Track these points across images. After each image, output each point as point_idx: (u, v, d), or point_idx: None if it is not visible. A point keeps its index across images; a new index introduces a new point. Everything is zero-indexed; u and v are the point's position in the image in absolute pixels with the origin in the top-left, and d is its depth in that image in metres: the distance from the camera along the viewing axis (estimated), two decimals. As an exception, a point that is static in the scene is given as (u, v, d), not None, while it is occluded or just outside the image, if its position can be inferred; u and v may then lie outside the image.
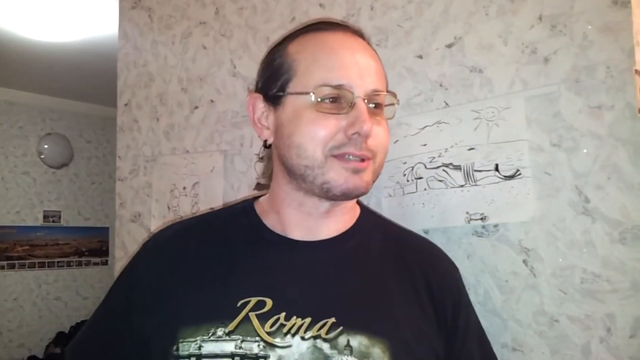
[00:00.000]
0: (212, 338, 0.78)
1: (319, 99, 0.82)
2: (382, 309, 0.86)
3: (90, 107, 5.56)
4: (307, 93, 0.83)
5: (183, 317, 0.82)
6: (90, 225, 5.55)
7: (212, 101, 1.76)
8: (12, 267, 5.04)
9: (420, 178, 1.28)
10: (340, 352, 0.78)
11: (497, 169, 1.16)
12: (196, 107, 1.80)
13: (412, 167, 1.30)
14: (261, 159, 1.61)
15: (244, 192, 1.68)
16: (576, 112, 1.08)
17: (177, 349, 0.79)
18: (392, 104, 0.92)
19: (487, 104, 1.19)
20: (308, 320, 0.80)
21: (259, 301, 0.81)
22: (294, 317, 0.80)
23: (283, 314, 0.80)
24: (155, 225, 1.81)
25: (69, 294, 5.42)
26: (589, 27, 1.08)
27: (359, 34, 0.94)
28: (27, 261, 5.13)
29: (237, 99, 1.71)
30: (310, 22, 0.95)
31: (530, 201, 1.12)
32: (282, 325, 0.79)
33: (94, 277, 5.61)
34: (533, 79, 1.14)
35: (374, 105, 0.86)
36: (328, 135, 0.82)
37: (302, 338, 0.78)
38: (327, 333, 0.79)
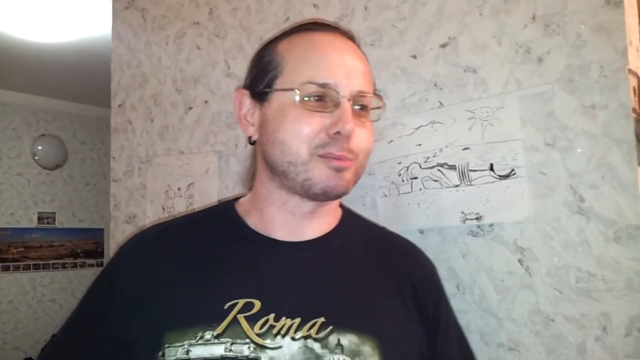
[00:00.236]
0: (200, 342, 0.77)
1: (305, 97, 0.83)
2: (370, 308, 0.87)
3: (84, 107, 5.54)
4: (293, 89, 0.83)
5: (168, 322, 0.80)
6: (85, 227, 5.53)
7: (206, 102, 1.76)
8: (6, 269, 5.01)
9: (416, 178, 1.28)
10: (332, 351, 0.78)
11: (492, 168, 1.16)
12: (190, 108, 1.80)
13: (407, 167, 1.30)
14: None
15: (239, 192, 1.67)
16: (570, 111, 1.09)
17: (163, 355, 0.78)
18: (379, 107, 0.92)
19: (481, 103, 1.19)
20: (298, 320, 0.79)
21: (247, 303, 0.80)
22: (284, 318, 0.79)
23: (272, 315, 0.79)
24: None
25: (64, 296, 5.40)
26: (582, 26, 1.08)
27: (349, 36, 0.94)
28: (21, 263, 5.11)
29: (231, 100, 1.71)
30: (301, 22, 0.95)
31: (525, 201, 1.12)
32: (272, 327, 0.79)
33: (89, 278, 5.57)
34: (527, 79, 1.14)
35: (359, 107, 0.87)
36: (312, 133, 0.82)
37: (293, 338, 0.78)
38: (317, 333, 0.79)
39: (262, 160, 0.91)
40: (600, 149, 1.05)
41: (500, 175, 1.15)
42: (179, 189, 1.78)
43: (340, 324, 0.81)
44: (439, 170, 1.24)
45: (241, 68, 1.69)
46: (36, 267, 5.20)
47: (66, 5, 3.24)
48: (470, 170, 1.19)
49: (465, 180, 1.20)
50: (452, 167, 1.22)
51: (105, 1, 2.99)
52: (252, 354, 0.76)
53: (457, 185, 1.21)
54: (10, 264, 5.04)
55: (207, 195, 1.72)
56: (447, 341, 0.96)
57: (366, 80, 0.88)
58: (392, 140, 1.33)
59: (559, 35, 1.10)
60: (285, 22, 1.59)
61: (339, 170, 0.84)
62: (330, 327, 0.80)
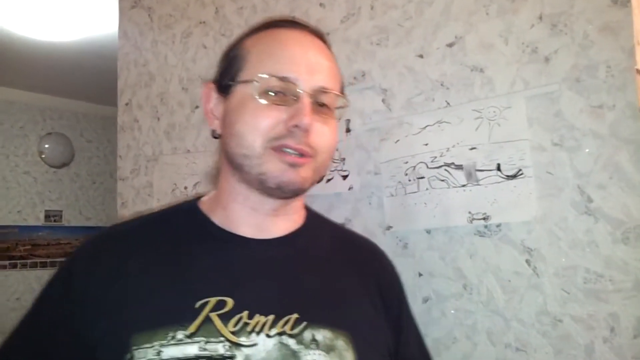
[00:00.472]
0: (172, 342, 0.75)
1: (264, 90, 0.82)
2: (341, 304, 0.88)
3: (91, 106, 5.55)
4: (252, 81, 0.83)
5: (135, 323, 0.77)
6: (92, 225, 5.54)
7: (212, 101, 1.76)
8: (14, 266, 5.04)
9: (422, 178, 1.28)
10: (307, 347, 0.78)
11: (499, 168, 1.16)
12: (197, 107, 1.80)
13: (414, 167, 1.30)
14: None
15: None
16: (577, 111, 1.08)
17: (132, 357, 0.74)
18: (343, 107, 0.91)
19: (488, 103, 1.19)
20: (271, 317, 0.79)
21: (219, 301, 0.79)
22: (257, 315, 0.78)
23: (246, 313, 0.78)
24: (157, 225, 1.81)
25: (71, 293, 5.41)
26: (590, 26, 1.07)
27: (317, 34, 0.93)
28: (29, 261, 5.13)
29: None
30: (270, 20, 0.94)
31: (532, 201, 1.12)
32: (246, 324, 0.78)
33: (96, 276, 5.60)
34: (534, 79, 1.14)
35: (322, 104, 0.85)
36: (269, 126, 0.81)
37: (268, 335, 0.77)
38: (292, 329, 0.79)
39: (224, 154, 0.90)
40: (607, 149, 1.05)
41: (507, 175, 1.15)
42: (186, 187, 1.79)
43: (314, 320, 0.81)
44: (445, 170, 1.24)
45: (247, 67, 1.69)
46: (43, 265, 5.22)
47: (73, 4, 3.24)
48: (477, 170, 1.19)
49: (472, 180, 1.19)
50: (459, 167, 1.22)
51: (112, 0, 3.00)
52: (228, 352, 0.75)
53: (464, 185, 1.21)
54: (18, 261, 5.06)
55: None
56: (409, 338, 0.98)
57: (330, 78, 0.87)
58: (398, 140, 1.33)
59: (566, 35, 1.10)
60: (292, 21, 1.59)
61: (294, 166, 0.82)
62: (305, 322, 0.80)
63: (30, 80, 4.83)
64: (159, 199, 1.85)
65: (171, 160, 1.84)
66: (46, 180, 5.32)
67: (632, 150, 1.02)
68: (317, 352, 0.78)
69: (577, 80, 1.08)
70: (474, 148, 1.19)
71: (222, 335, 0.76)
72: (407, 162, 1.31)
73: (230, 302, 0.79)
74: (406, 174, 1.31)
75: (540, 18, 1.13)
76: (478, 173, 1.19)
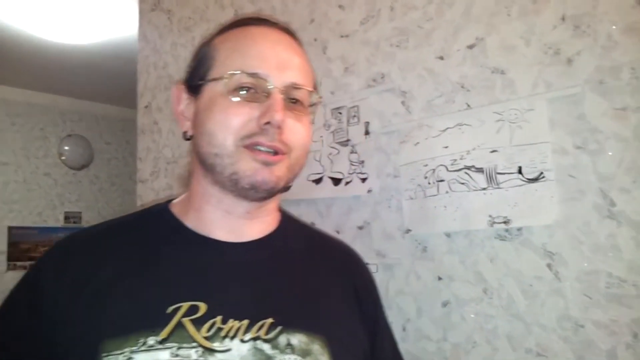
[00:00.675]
0: (142, 348, 0.73)
1: (234, 87, 0.81)
2: (316, 307, 0.87)
3: (110, 108, 5.61)
4: (222, 78, 0.81)
5: (104, 329, 0.75)
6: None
7: (231, 103, 1.77)
8: (34, 267, 5.10)
9: (442, 180, 1.27)
10: (282, 352, 0.77)
11: (520, 171, 1.14)
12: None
13: (434, 170, 1.29)
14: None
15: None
16: (600, 114, 1.07)
17: None
18: (316, 104, 0.89)
19: (509, 105, 1.17)
20: (246, 322, 0.77)
21: (191, 306, 0.77)
22: (231, 320, 0.77)
23: (219, 318, 0.77)
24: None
25: (89, 294, 5.47)
26: (613, 27, 1.06)
27: (288, 31, 0.92)
28: (48, 261, 5.19)
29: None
30: (239, 18, 0.93)
31: (554, 204, 1.10)
32: (220, 329, 0.76)
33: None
34: (556, 81, 1.12)
35: (294, 100, 0.84)
36: (240, 124, 0.80)
37: (242, 340, 0.76)
38: (266, 333, 0.78)
39: (195, 155, 0.88)
40: (631, 152, 1.03)
41: (528, 179, 1.13)
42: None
43: (289, 324, 0.80)
44: (466, 172, 1.23)
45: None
46: (63, 266, 5.27)
47: (92, 7, 3.28)
48: (498, 173, 1.18)
49: (492, 183, 1.18)
50: (480, 170, 1.21)
51: (132, 3, 3.02)
52: (201, 358, 0.73)
53: (484, 188, 1.20)
54: (38, 262, 5.12)
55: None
56: (384, 340, 0.97)
57: (301, 74, 0.85)
58: (418, 142, 1.32)
59: (589, 36, 1.09)
60: (311, 23, 1.59)
61: (267, 164, 0.80)
62: (279, 327, 0.79)
63: (51, 83, 4.89)
64: (178, 201, 1.86)
65: (190, 162, 1.84)
66: (66, 182, 5.38)
67: (657, 153, 1.00)
68: (292, 356, 0.77)
69: (600, 82, 1.07)
70: (495, 151, 1.18)
71: (195, 341, 0.74)
72: (426, 165, 1.30)
73: (203, 307, 0.77)
74: (426, 177, 1.31)
75: (563, 19, 1.12)
76: (499, 176, 1.17)
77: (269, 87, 0.80)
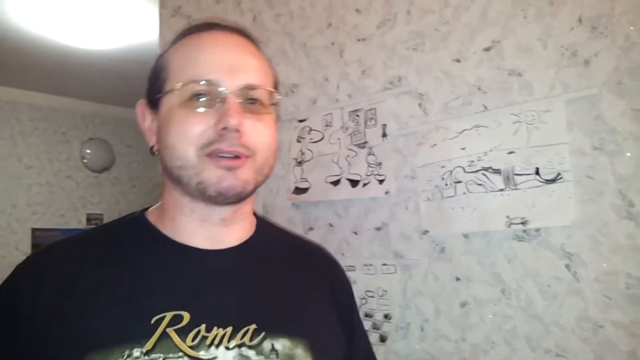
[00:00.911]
0: None
1: (188, 96, 0.80)
2: (297, 312, 0.87)
3: (131, 112, 5.57)
4: (175, 90, 0.81)
5: (88, 343, 0.73)
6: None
7: (250, 107, 1.79)
8: (57, 268, 5.18)
9: (459, 182, 1.28)
10: (267, 357, 0.78)
11: (537, 172, 1.15)
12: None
13: (451, 171, 1.30)
14: (299, 163, 1.63)
15: (283, 195, 1.70)
16: (618, 114, 1.07)
17: None
18: (276, 103, 0.88)
19: (526, 107, 1.18)
20: (230, 329, 0.78)
21: (175, 316, 0.76)
22: (215, 328, 0.77)
23: (203, 326, 0.77)
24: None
25: (111, 295, 5.54)
26: (631, 28, 1.06)
27: (241, 32, 0.90)
28: (71, 263, 5.27)
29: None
30: (189, 26, 0.91)
31: (572, 205, 1.11)
32: (204, 338, 0.76)
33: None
34: (574, 82, 1.13)
35: (251, 101, 0.82)
36: (198, 133, 0.79)
37: (227, 348, 0.76)
38: (250, 340, 0.78)
39: (163, 169, 0.87)
40: (650, 152, 1.03)
41: (546, 180, 1.14)
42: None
43: (272, 329, 0.80)
44: (483, 174, 1.24)
45: (285, 73, 1.71)
46: (85, 267, 5.35)
47: (114, 13, 3.33)
48: (516, 175, 1.18)
49: (510, 185, 1.19)
50: (497, 171, 1.21)
51: (152, 9, 3.07)
52: None
53: (502, 190, 1.20)
54: (61, 263, 5.20)
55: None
56: (360, 342, 0.99)
57: (256, 74, 0.84)
58: (435, 144, 1.33)
59: (606, 38, 1.09)
60: (328, 27, 1.60)
61: (230, 169, 0.79)
62: (263, 333, 0.79)
63: (73, 88, 4.97)
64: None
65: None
66: (88, 184, 5.46)
67: (675, 153, 1.00)
68: None
69: (618, 83, 1.07)
70: (512, 152, 1.19)
71: (181, 350, 0.74)
72: (444, 167, 1.31)
73: (186, 316, 0.77)
74: (443, 179, 1.31)
75: (580, 21, 1.12)
76: (516, 177, 1.18)
77: (222, 92, 0.79)
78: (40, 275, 0.80)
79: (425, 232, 1.35)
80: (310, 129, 1.63)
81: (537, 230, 1.16)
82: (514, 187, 1.18)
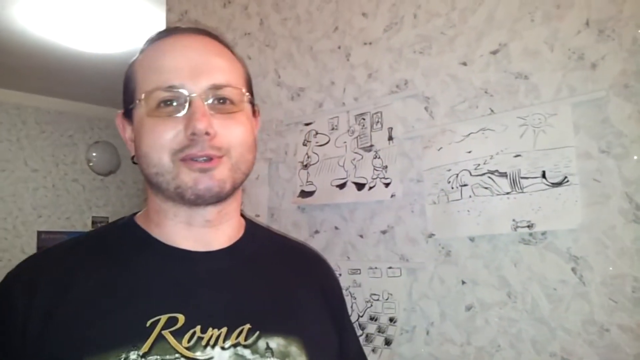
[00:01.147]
0: None
1: (154, 105, 0.80)
2: (290, 310, 0.88)
3: (136, 115, 5.69)
4: (142, 99, 0.81)
5: (83, 347, 0.73)
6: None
7: (256, 110, 1.79)
8: (62, 271, 5.19)
9: (465, 185, 1.28)
10: (262, 356, 0.78)
11: (544, 175, 1.15)
12: (241, 116, 1.84)
13: (457, 174, 1.30)
14: (305, 166, 1.64)
15: (289, 199, 1.70)
16: (625, 117, 1.07)
17: None
18: (250, 101, 0.89)
19: (533, 110, 1.18)
20: (224, 329, 0.78)
21: (170, 318, 0.77)
22: (210, 329, 0.78)
23: (198, 327, 0.77)
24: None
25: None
26: (639, 31, 1.06)
27: (204, 33, 0.89)
28: (76, 266, 5.28)
29: (281, 108, 1.74)
30: (154, 34, 0.91)
31: (578, 208, 1.10)
32: (200, 338, 0.77)
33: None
34: (580, 85, 1.13)
35: (221, 101, 0.82)
36: (168, 139, 0.79)
37: (223, 348, 0.77)
38: (245, 339, 0.79)
39: (143, 177, 0.87)
40: (657, 156, 1.03)
41: (552, 183, 1.14)
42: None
43: (266, 328, 0.81)
44: (489, 177, 1.23)
45: (291, 77, 1.72)
46: (90, 270, 5.36)
47: (120, 17, 3.35)
48: (522, 178, 1.18)
49: (516, 188, 1.19)
50: (503, 175, 1.21)
51: (159, 13, 3.08)
52: None
53: (508, 193, 1.20)
54: (66, 266, 5.21)
55: (257, 201, 1.75)
56: (349, 341, 0.99)
57: (222, 73, 0.83)
58: (441, 148, 1.33)
59: (613, 41, 1.09)
60: (335, 31, 1.61)
61: (204, 171, 0.80)
62: (257, 332, 0.80)
63: (79, 91, 4.99)
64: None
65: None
66: (93, 187, 5.48)
67: (683, 157, 1.00)
68: (272, 359, 0.79)
69: (625, 86, 1.07)
70: (519, 155, 1.19)
71: (177, 352, 0.75)
72: (450, 170, 1.31)
73: (181, 318, 0.78)
74: (449, 182, 1.31)
75: (587, 24, 1.12)
76: (522, 180, 1.18)
77: (187, 96, 0.79)
78: (34, 281, 0.80)
79: (431, 235, 1.35)
80: (317, 133, 1.64)
81: (544, 233, 1.16)
82: (520, 191, 1.18)
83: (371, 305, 1.45)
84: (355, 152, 1.53)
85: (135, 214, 0.94)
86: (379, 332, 1.42)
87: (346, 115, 1.56)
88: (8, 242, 4.89)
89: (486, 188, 1.24)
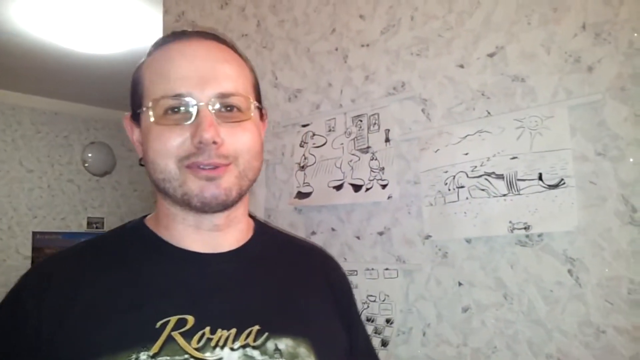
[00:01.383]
0: None
1: (161, 112, 0.80)
2: (299, 311, 0.89)
3: (132, 116, 5.68)
4: (149, 107, 0.81)
5: (95, 348, 0.74)
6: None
7: (253, 111, 1.79)
8: (57, 272, 5.17)
9: (462, 187, 1.28)
10: (271, 357, 0.79)
11: (540, 178, 1.15)
12: (238, 117, 1.84)
13: (454, 176, 1.30)
14: (302, 168, 1.64)
15: (285, 200, 1.70)
16: (621, 120, 1.08)
17: None
18: (258, 107, 0.89)
19: (530, 113, 1.19)
20: (233, 331, 0.79)
21: (179, 319, 0.78)
22: (219, 330, 0.78)
23: (207, 329, 0.78)
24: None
25: (111, 299, 5.53)
26: (635, 34, 1.07)
27: (212, 37, 0.89)
28: (71, 266, 5.26)
29: (278, 110, 1.74)
30: (162, 37, 0.91)
31: (574, 211, 1.11)
32: (209, 340, 0.77)
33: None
34: (577, 88, 1.13)
35: (228, 108, 0.82)
36: (174, 147, 0.79)
37: (232, 349, 0.77)
38: (254, 340, 0.79)
39: (150, 181, 0.88)
40: (653, 158, 1.04)
41: (549, 185, 1.14)
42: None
43: (275, 330, 0.81)
44: (486, 179, 1.24)
45: (288, 79, 1.72)
46: (85, 271, 5.34)
47: (117, 17, 3.34)
48: (519, 180, 1.18)
49: (513, 190, 1.19)
50: (500, 177, 1.22)
51: (156, 14, 3.08)
52: None
53: (504, 195, 1.21)
54: (61, 267, 5.20)
55: (254, 203, 1.75)
56: (359, 338, 1.00)
57: (229, 81, 0.83)
58: (438, 149, 1.34)
59: (610, 44, 1.09)
60: (332, 33, 1.61)
61: (211, 179, 0.80)
62: (266, 333, 0.80)
63: (75, 92, 4.98)
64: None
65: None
66: (89, 188, 5.47)
67: (678, 160, 1.01)
68: None
69: (621, 89, 1.07)
70: (515, 157, 1.19)
71: (187, 353, 0.75)
72: (447, 172, 1.32)
73: (191, 319, 0.78)
74: (446, 184, 1.32)
75: (584, 27, 1.13)
76: (519, 182, 1.18)
77: (194, 105, 0.79)
78: (43, 288, 0.80)
79: (428, 237, 1.36)
80: (314, 134, 1.64)
81: (540, 235, 1.17)
82: (516, 193, 1.19)
83: (368, 307, 1.45)
84: (352, 154, 1.53)
85: (145, 216, 0.94)
86: (375, 333, 1.42)
87: (343, 116, 1.56)
88: (3, 243, 4.87)
89: (483, 190, 1.24)
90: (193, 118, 0.79)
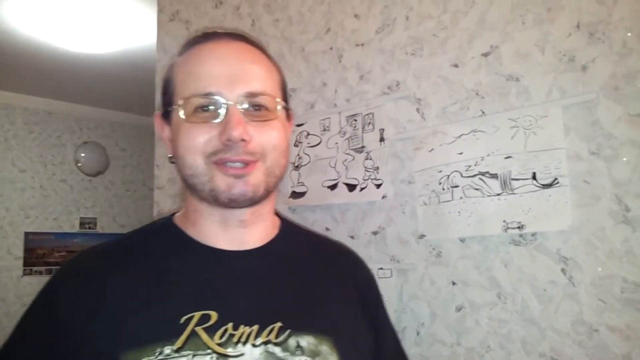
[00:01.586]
0: (160, 357, 0.76)
1: (191, 110, 0.83)
2: (322, 309, 0.89)
3: (125, 116, 5.67)
4: (180, 104, 0.84)
5: (122, 342, 0.77)
6: (125, 232, 5.63)
7: (248, 110, 1.79)
8: (50, 272, 5.13)
9: (456, 186, 1.28)
10: (293, 354, 0.80)
11: (534, 177, 1.16)
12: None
13: (448, 176, 1.30)
14: (296, 167, 1.64)
15: (280, 199, 1.70)
16: (615, 120, 1.08)
17: None
18: (285, 107, 0.92)
19: (524, 112, 1.19)
20: (256, 327, 0.80)
21: (203, 315, 0.80)
22: (242, 326, 0.80)
23: (230, 325, 0.79)
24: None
25: (104, 300, 5.50)
26: (629, 34, 1.07)
27: (241, 38, 0.92)
28: (64, 267, 5.24)
29: (272, 109, 1.74)
30: (192, 37, 0.93)
31: (568, 210, 1.11)
32: (232, 335, 0.79)
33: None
34: (571, 87, 1.14)
35: (256, 107, 0.85)
36: (202, 143, 0.82)
37: (254, 345, 0.79)
38: (276, 337, 0.80)
39: (180, 177, 0.91)
40: (646, 158, 1.04)
41: (543, 184, 1.14)
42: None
43: (297, 327, 0.82)
44: (480, 178, 1.24)
45: (282, 77, 1.72)
46: (78, 271, 5.32)
47: (110, 17, 3.33)
48: (513, 179, 1.19)
49: (507, 189, 1.20)
50: (494, 176, 1.22)
51: (149, 13, 3.07)
52: None
53: (498, 194, 1.21)
54: (54, 267, 5.17)
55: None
56: (386, 337, 1.00)
57: (258, 80, 0.86)
58: (432, 149, 1.34)
59: (604, 44, 1.10)
60: (327, 32, 1.61)
61: (239, 177, 0.82)
62: (288, 330, 0.81)
63: (68, 91, 4.96)
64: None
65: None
66: (82, 188, 5.44)
67: (671, 159, 1.01)
68: (302, 358, 0.80)
69: (615, 88, 1.08)
70: (510, 157, 1.20)
71: (209, 348, 0.77)
72: (441, 171, 1.32)
73: (214, 315, 0.80)
74: (440, 183, 1.32)
75: (578, 27, 1.13)
76: (513, 182, 1.19)
77: (223, 104, 0.82)
78: (77, 282, 0.85)
79: (422, 236, 1.36)
80: (308, 134, 1.64)
81: (534, 234, 1.17)
82: (510, 192, 1.19)
83: (362, 306, 1.45)
84: (347, 153, 1.53)
85: (174, 213, 0.97)
86: (369, 333, 1.42)
87: (338, 116, 1.56)
88: (-5, 243, 4.85)
89: (477, 189, 1.25)
90: (222, 116, 0.82)
